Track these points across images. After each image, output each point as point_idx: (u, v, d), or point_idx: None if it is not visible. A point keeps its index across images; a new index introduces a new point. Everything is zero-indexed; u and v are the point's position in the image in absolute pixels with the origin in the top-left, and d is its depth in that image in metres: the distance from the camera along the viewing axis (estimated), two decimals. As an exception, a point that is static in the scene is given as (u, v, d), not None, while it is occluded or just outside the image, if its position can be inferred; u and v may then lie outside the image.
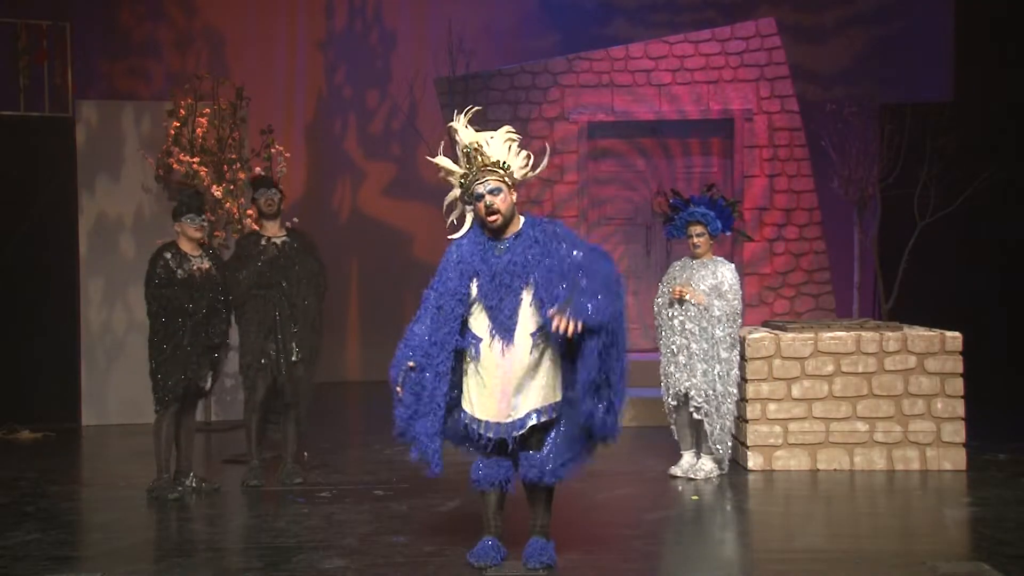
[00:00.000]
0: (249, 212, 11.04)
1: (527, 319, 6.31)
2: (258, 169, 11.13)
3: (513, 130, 6.55)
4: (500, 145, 6.46)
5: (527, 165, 6.48)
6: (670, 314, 8.80)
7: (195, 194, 8.68)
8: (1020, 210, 12.32)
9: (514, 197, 6.44)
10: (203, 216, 8.50)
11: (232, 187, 11.14)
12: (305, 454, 9.47)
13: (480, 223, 6.46)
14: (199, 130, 11.21)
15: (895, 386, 9.04)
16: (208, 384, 8.57)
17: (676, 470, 8.87)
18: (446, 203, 6.65)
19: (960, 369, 9.06)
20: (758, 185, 12.94)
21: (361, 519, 7.63)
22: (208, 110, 11.34)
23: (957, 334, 9.12)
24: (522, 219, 6.49)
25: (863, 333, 9.13)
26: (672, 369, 8.82)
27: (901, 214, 12.02)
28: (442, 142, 6.90)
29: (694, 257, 8.83)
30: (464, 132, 6.48)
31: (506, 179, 6.42)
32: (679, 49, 13.05)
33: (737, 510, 8.12)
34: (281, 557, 6.76)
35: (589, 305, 6.03)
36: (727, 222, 8.82)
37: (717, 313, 8.64)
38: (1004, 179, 11.73)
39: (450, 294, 6.47)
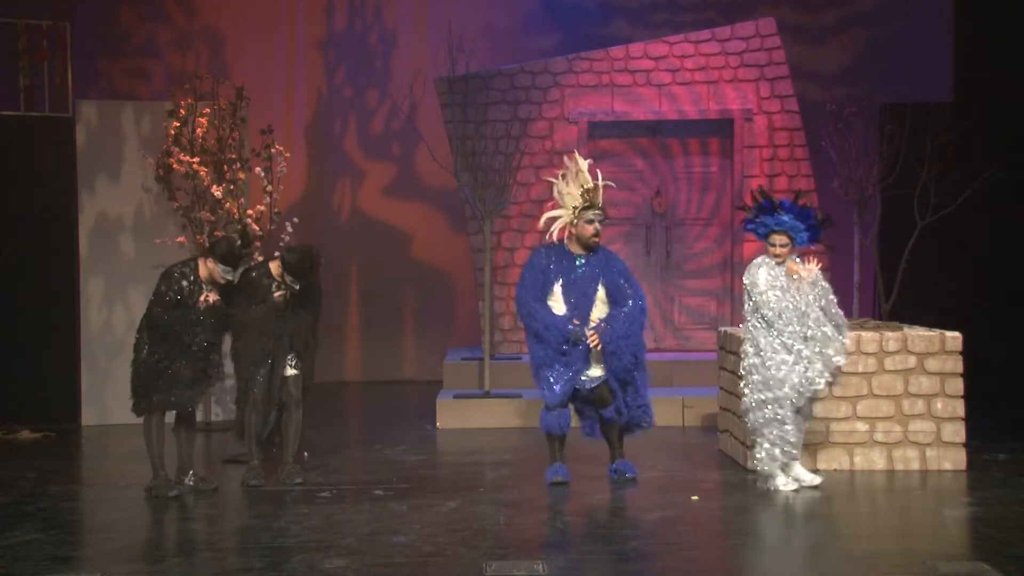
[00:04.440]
0: (249, 212, 11.05)
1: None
2: (258, 169, 11.14)
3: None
4: (600, 191, 8.62)
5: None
6: None
7: (244, 250, 8.46)
8: (1020, 210, 12.31)
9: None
10: (236, 271, 8.43)
11: (232, 187, 11.14)
12: (305, 454, 9.47)
13: (578, 239, 8.64)
14: (199, 130, 11.21)
15: (895, 386, 9.04)
16: (196, 403, 8.59)
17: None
18: (547, 216, 8.78)
19: (960, 369, 9.06)
20: (758, 185, 12.91)
21: (361, 519, 7.64)
22: (208, 110, 11.34)
23: (957, 334, 9.12)
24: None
25: (863, 333, 9.13)
26: None
27: (901, 214, 12.01)
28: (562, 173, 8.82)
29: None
30: (586, 175, 8.59)
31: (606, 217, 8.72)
32: (679, 49, 13.04)
33: (737, 510, 8.12)
34: (281, 557, 6.76)
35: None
36: (814, 234, 8.53)
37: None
38: (1004, 179, 11.72)
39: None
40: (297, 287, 8.51)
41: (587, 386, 8.67)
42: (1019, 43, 12.46)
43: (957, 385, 9.06)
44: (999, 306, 12.38)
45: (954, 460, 9.03)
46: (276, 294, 8.50)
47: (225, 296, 8.47)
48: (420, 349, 14.94)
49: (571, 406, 8.82)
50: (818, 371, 8.40)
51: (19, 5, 12.17)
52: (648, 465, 9.31)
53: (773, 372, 8.39)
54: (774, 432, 8.38)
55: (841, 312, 8.56)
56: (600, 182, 8.66)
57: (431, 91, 13.24)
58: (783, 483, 8.40)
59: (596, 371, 8.65)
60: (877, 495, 8.45)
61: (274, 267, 8.63)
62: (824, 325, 8.41)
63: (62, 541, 7.28)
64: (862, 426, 9.05)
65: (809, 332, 8.39)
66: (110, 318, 11.66)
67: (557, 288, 8.62)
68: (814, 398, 8.53)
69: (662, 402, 11.24)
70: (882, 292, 12.07)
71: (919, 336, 9.10)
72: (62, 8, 12.56)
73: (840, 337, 8.47)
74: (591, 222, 8.60)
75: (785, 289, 8.42)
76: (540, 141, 12.97)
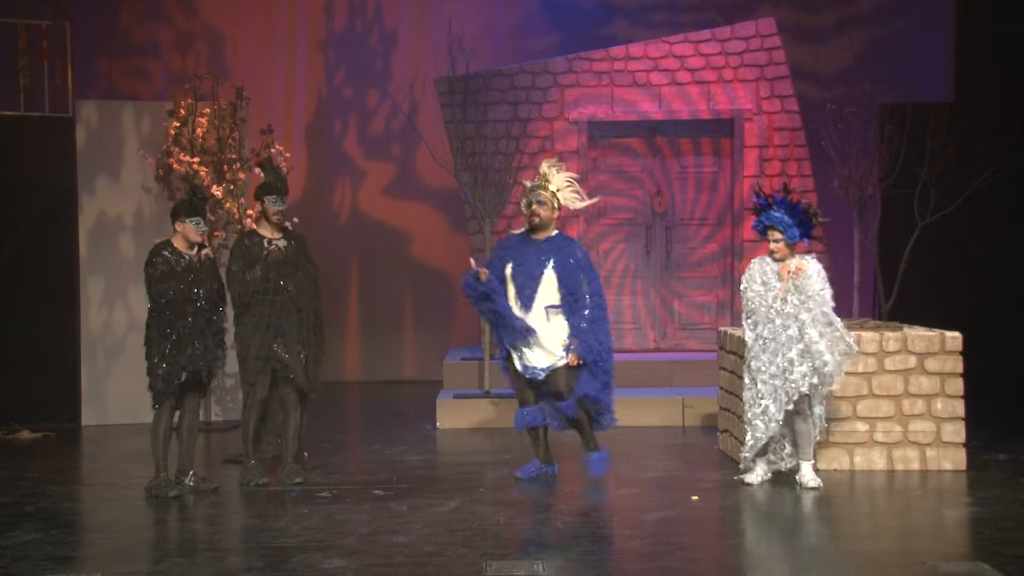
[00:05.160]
0: (249, 212, 11.04)
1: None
2: (258, 169, 11.14)
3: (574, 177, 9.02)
4: (559, 177, 8.90)
5: (573, 199, 8.91)
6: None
7: (201, 198, 8.68)
8: (1020, 210, 12.31)
9: (554, 214, 8.86)
10: (206, 221, 8.58)
11: (232, 187, 11.14)
12: (305, 454, 9.48)
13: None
14: (199, 130, 11.21)
15: (895, 386, 9.04)
16: (207, 378, 8.57)
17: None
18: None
19: (960, 369, 9.06)
20: (762, 185, 12.92)
21: (361, 519, 7.64)
22: (208, 110, 11.34)
23: (957, 334, 9.12)
24: (555, 231, 8.91)
25: (863, 333, 9.13)
26: None
27: (901, 214, 12.01)
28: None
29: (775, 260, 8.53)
30: (544, 167, 8.92)
31: (553, 199, 8.84)
32: (679, 49, 13.04)
33: (737, 510, 8.12)
34: (281, 557, 6.76)
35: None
36: (806, 230, 8.47)
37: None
38: (1004, 179, 11.72)
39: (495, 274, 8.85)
40: (282, 207, 8.66)
41: (538, 376, 8.73)
42: (1019, 43, 12.45)
43: (957, 385, 9.06)
44: (999, 306, 12.38)
45: (954, 460, 9.03)
46: (271, 248, 8.60)
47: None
48: (420, 349, 14.94)
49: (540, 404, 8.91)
50: (801, 374, 8.40)
51: (19, 5, 12.16)
52: (648, 465, 9.31)
53: (753, 368, 8.52)
54: (756, 425, 8.49)
55: (835, 330, 8.43)
56: (546, 169, 8.86)
57: (431, 91, 13.24)
58: (750, 477, 8.56)
59: (541, 359, 8.71)
60: (877, 495, 8.45)
61: (262, 230, 8.71)
62: (809, 330, 8.39)
63: (62, 541, 7.28)
64: (862, 426, 9.06)
65: (786, 336, 8.41)
66: (110, 318, 11.66)
67: (508, 270, 8.80)
68: (806, 400, 8.48)
69: (662, 402, 11.28)
70: (882, 292, 12.07)
71: (919, 336, 9.10)
72: (62, 8, 12.55)
73: (826, 353, 8.40)
74: (529, 205, 8.85)
75: (768, 288, 8.47)
76: (540, 141, 12.97)
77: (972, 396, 9.21)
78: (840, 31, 14.29)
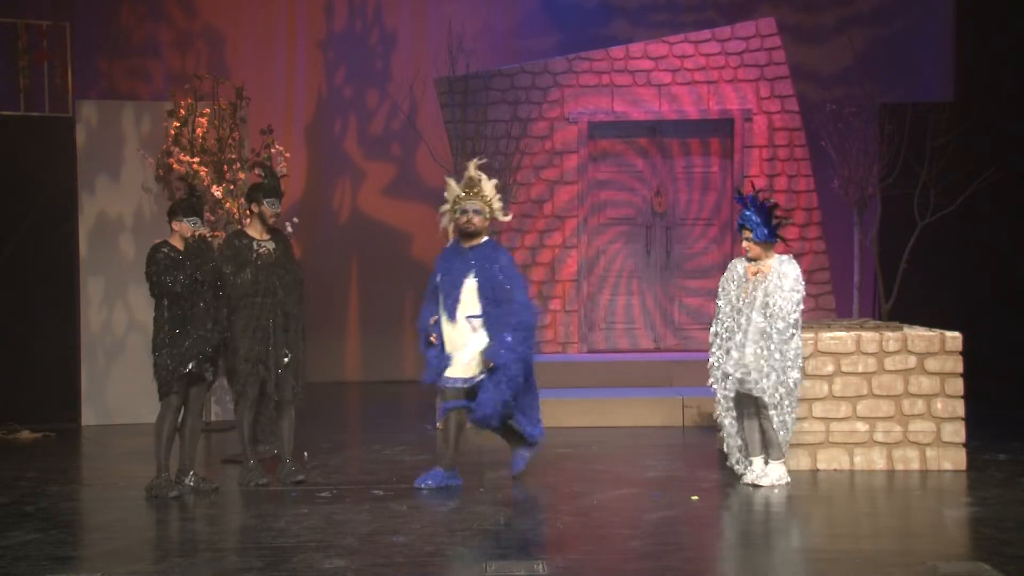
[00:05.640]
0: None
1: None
2: (258, 170, 11.14)
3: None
4: (489, 185, 8.83)
5: (500, 211, 8.87)
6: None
7: (198, 197, 8.70)
8: (1020, 210, 12.31)
9: (486, 223, 8.79)
10: (203, 220, 8.61)
11: (232, 187, 11.14)
12: (305, 454, 9.47)
13: (459, 231, 8.80)
14: (199, 130, 11.21)
15: (895, 386, 9.04)
16: (212, 374, 8.58)
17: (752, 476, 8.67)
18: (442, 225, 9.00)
19: (960, 369, 9.06)
20: (758, 185, 12.91)
21: (361, 519, 7.64)
22: (208, 110, 11.35)
23: (957, 334, 9.11)
24: (485, 239, 8.80)
25: (863, 333, 9.13)
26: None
27: (901, 214, 12.01)
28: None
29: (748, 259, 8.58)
30: (472, 171, 8.82)
31: (487, 207, 8.76)
32: (679, 49, 13.05)
33: (737, 510, 8.12)
34: (281, 557, 6.76)
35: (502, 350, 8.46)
36: (772, 230, 8.47)
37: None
38: (1004, 179, 11.73)
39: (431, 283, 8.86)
40: (278, 208, 8.70)
41: (456, 384, 8.63)
42: (1019, 43, 12.45)
43: (957, 385, 9.06)
44: (999, 306, 12.38)
45: (954, 460, 9.03)
46: (261, 250, 8.62)
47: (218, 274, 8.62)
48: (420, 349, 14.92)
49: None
50: (727, 373, 8.50)
51: (19, 5, 12.17)
52: (648, 465, 9.31)
53: (708, 364, 8.68)
54: (721, 421, 8.70)
55: (782, 341, 8.39)
56: (476, 174, 8.77)
57: (431, 91, 13.25)
58: (750, 476, 8.59)
59: (458, 371, 8.63)
60: (877, 495, 8.44)
61: (251, 230, 8.73)
62: (755, 336, 8.42)
63: (62, 541, 7.27)
64: (862, 426, 9.05)
65: (737, 336, 8.47)
66: (110, 318, 11.66)
67: (438, 280, 8.74)
68: (759, 401, 8.51)
69: (662, 402, 11.28)
70: (882, 292, 12.07)
71: (919, 336, 9.10)
72: (62, 8, 12.57)
73: (752, 371, 8.40)
74: (464, 212, 8.71)
75: (737, 286, 8.54)
76: (540, 141, 12.97)
77: (972, 396, 9.21)
78: (840, 31, 14.30)
